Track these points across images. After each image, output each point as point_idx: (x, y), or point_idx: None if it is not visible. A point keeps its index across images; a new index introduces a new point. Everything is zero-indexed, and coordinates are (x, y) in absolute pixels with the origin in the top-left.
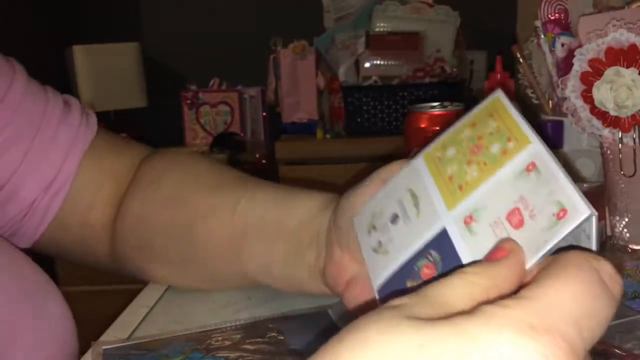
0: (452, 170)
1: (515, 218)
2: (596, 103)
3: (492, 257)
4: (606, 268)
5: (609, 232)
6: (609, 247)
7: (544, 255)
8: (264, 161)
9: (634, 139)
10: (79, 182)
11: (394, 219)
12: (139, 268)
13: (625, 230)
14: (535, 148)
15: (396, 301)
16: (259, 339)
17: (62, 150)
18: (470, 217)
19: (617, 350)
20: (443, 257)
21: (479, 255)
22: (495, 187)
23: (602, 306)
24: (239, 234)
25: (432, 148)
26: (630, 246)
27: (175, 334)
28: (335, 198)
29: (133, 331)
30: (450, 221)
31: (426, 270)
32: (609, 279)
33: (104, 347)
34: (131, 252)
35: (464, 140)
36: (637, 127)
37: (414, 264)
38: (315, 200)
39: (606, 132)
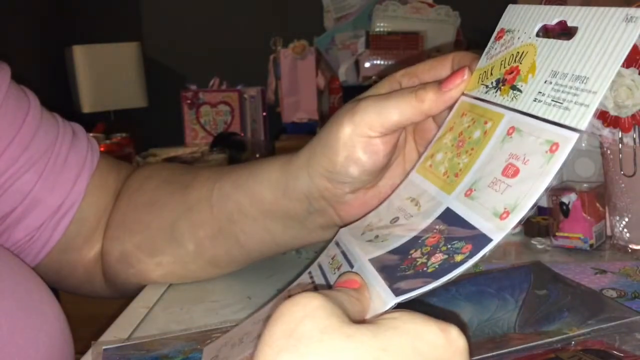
0: (444, 167)
1: (510, 170)
2: None
3: (349, 285)
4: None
5: (609, 232)
6: (609, 247)
7: (549, 187)
8: None
9: (634, 139)
10: (85, 205)
11: (395, 220)
12: (135, 274)
13: (625, 230)
14: (509, 116)
15: (313, 310)
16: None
17: (72, 175)
18: (470, 189)
19: (616, 352)
20: (449, 224)
21: (483, 214)
22: (486, 159)
23: None
24: (225, 222)
25: (421, 162)
26: (630, 246)
27: (175, 334)
28: (289, 161)
29: (133, 331)
30: (452, 201)
31: (431, 240)
32: None
33: (104, 347)
34: (120, 257)
35: (448, 143)
36: (637, 127)
37: (418, 239)
38: (274, 173)
39: (606, 132)
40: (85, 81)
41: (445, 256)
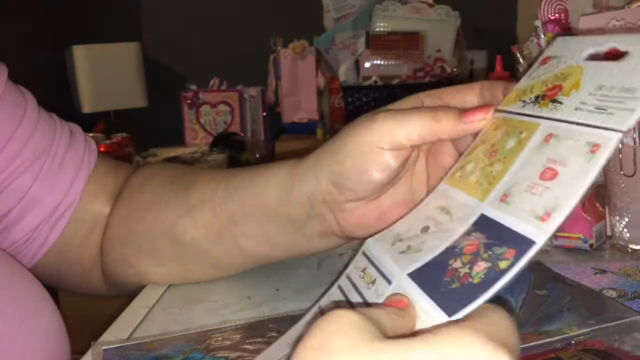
0: (476, 177)
1: (548, 174)
2: None
3: (396, 304)
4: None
5: (609, 232)
6: (609, 247)
7: (590, 186)
8: (264, 161)
9: (634, 139)
10: (82, 206)
11: (425, 229)
12: (136, 274)
13: (625, 230)
14: (546, 124)
15: (344, 318)
16: (259, 339)
17: (69, 176)
18: (505, 195)
19: (616, 352)
20: (486, 231)
21: (522, 217)
22: (521, 166)
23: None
24: (226, 223)
25: (450, 173)
26: (630, 246)
27: (175, 334)
28: (296, 164)
29: (133, 331)
30: (485, 207)
31: (470, 247)
32: None
33: (104, 347)
34: (121, 257)
35: (479, 155)
36: (637, 127)
37: (455, 248)
38: (281, 174)
39: None
40: (85, 81)
41: (489, 264)
